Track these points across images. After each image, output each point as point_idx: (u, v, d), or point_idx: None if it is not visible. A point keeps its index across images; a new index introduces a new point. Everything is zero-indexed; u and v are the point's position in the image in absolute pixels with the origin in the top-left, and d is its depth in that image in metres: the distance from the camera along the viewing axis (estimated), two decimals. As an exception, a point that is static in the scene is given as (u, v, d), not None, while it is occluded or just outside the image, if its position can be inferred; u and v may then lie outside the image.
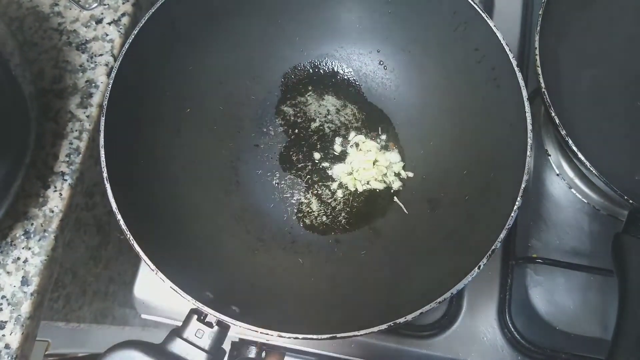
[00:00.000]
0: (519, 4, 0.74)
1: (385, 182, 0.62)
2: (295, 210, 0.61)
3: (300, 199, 0.62)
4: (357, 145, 0.64)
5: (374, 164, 0.62)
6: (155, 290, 0.62)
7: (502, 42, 0.51)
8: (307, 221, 0.60)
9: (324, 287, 0.54)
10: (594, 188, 0.64)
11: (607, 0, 0.66)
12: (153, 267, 0.44)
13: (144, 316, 0.63)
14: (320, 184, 0.62)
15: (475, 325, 0.60)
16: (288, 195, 0.62)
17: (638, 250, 0.52)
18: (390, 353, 0.59)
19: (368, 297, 0.51)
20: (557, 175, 0.67)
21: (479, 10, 0.52)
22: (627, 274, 0.51)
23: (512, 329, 0.59)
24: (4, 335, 0.51)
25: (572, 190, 0.66)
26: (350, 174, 0.62)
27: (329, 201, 0.61)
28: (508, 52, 0.51)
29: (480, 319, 0.60)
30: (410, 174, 0.62)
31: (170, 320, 0.63)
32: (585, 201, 0.66)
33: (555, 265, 0.60)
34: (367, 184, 0.62)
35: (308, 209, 0.61)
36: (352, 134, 0.64)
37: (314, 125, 0.65)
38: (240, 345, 0.65)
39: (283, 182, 0.62)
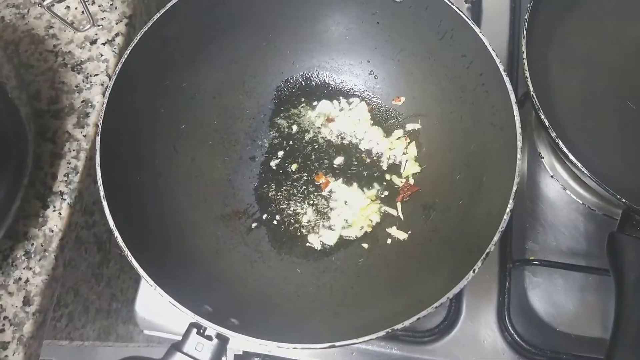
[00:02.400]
0: (506, 9, 0.75)
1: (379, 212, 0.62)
2: (292, 221, 0.62)
3: (297, 209, 0.62)
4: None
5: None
6: (157, 306, 0.63)
7: (489, 47, 0.52)
8: (305, 231, 0.61)
9: (322, 297, 0.55)
10: (588, 189, 0.65)
11: (592, 3, 0.67)
12: (152, 282, 0.44)
13: (146, 332, 0.64)
14: (316, 194, 0.63)
15: (475, 329, 0.60)
16: (284, 206, 0.62)
17: (633, 249, 0.53)
18: (392, 359, 0.60)
19: (366, 305, 0.52)
20: (551, 177, 0.68)
21: (465, 17, 0.53)
22: (622, 272, 0.52)
23: (512, 332, 0.59)
24: (6, 356, 0.51)
25: (567, 191, 0.67)
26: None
27: (325, 211, 0.62)
28: (495, 58, 0.51)
29: (480, 323, 0.60)
30: (403, 180, 0.63)
31: (173, 335, 0.63)
32: (580, 202, 0.66)
33: (551, 266, 0.61)
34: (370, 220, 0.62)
35: (305, 219, 0.62)
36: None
37: (307, 136, 0.66)
38: (244, 358, 0.65)
39: (279, 193, 0.63)
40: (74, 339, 0.74)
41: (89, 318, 0.78)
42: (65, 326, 0.71)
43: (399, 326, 0.43)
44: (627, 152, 0.60)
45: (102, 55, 0.63)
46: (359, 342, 0.42)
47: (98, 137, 0.49)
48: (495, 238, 0.45)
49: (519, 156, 0.48)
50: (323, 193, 0.63)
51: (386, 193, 0.62)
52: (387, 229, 0.60)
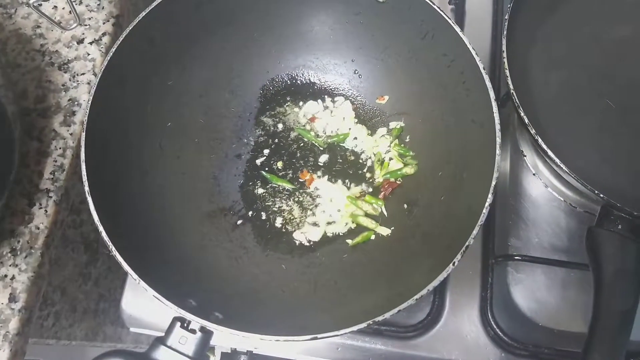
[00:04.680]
0: (489, 11, 0.76)
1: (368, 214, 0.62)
2: (278, 218, 0.62)
3: (282, 206, 0.63)
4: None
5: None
6: (142, 304, 0.63)
7: (469, 46, 0.53)
8: (290, 228, 0.62)
9: (306, 291, 0.55)
10: (569, 186, 0.66)
11: (572, 4, 0.68)
12: (135, 276, 0.45)
13: (132, 329, 0.64)
14: (301, 191, 0.64)
15: (458, 325, 0.61)
16: (270, 203, 0.63)
17: (611, 243, 0.54)
18: (376, 355, 0.60)
19: (349, 299, 0.53)
20: (534, 175, 0.69)
21: (445, 17, 0.54)
22: (600, 265, 0.52)
23: (495, 327, 0.60)
24: (-8, 352, 0.51)
25: (549, 189, 0.68)
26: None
27: (309, 207, 0.63)
28: (475, 56, 0.53)
29: (463, 318, 0.61)
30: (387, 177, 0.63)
31: (159, 332, 0.63)
32: (562, 199, 0.67)
33: (533, 261, 0.62)
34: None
35: (290, 215, 0.62)
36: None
37: (293, 134, 0.66)
38: (231, 356, 0.66)
39: (265, 190, 0.64)
40: (60, 338, 0.74)
41: (76, 318, 0.78)
42: (52, 325, 0.71)
43: (380, 318, 0.43)
44: (606, 150, 0.61)
45: (89, 54, 0.63)
46: (341, 334, 0.43)
47: (83, 134, 0.50)
48: (475, 231, 0.46)
49: (497, 152, 0.49)
50: (308, 190, 0.64)
51: (370, 190, 0.63)
52: (370, 225, 0.60)
